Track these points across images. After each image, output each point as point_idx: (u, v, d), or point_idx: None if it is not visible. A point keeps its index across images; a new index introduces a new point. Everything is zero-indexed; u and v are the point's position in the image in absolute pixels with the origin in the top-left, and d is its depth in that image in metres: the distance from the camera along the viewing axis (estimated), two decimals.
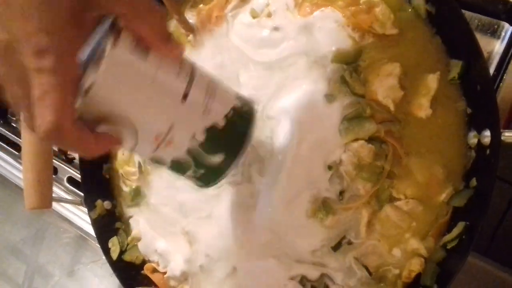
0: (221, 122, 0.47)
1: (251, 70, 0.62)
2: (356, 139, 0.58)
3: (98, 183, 0.74)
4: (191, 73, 0.45)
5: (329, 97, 0.59)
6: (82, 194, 0.75)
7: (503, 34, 0.69)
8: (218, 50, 0.65)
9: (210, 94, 0.46)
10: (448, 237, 0.55)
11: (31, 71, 0.36)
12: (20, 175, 0.82)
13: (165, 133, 0.44)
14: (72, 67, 0.38)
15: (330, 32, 0.59)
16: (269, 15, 0.63)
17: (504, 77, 0.66)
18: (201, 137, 0.46)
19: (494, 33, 0.70)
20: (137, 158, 0.71)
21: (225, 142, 0.48)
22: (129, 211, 0.73)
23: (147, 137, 0.44)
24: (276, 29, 0.61)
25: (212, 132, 0.46)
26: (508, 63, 0.65)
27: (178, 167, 0.49)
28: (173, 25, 0.68)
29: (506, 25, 0.68)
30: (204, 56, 0.65)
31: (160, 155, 0.46)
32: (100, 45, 0.40)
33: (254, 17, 0.63)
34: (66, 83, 0.37)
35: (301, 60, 0.60)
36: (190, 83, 0.45)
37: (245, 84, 0.62)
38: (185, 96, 0.44)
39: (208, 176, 0.50)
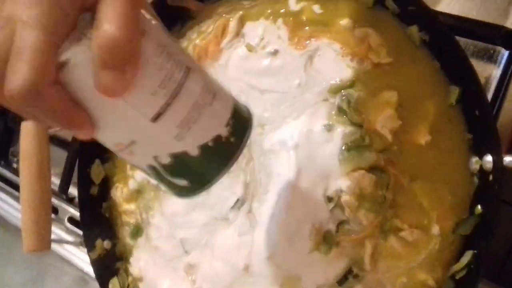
0: (193, 152, 0.39)
1: (252, 101, 0.62)
2: (357, 169, 0.57)
3: (97, 222, 0.73)
4: (177, 87, 0.37)
5: (328, 127, 0.58)
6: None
7: (499, 58, 0.69)
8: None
9: (192, 118, 0.38)
10: (456, 266, 0.53)
11: (19, 22, 0.32)
12: (20, 216, 0.81)
13: (125, 145, 0.38)
14: (63, 28, 0.33)
15: (330, 62, 0.59)
16: (264, 48, 0.63)
17: (503, 101, 0.65)
18: (165, 160, 0.39)
19: (490, 58, 0.70)
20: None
21: (193, 171, 0.41)
22: (130, 249, 0.72)
23: (108, 140, 0.39)
24: (275, 53, 0.61)
25: (179, 158, 0.39)
26: (507, 87, 0.65)
27: (148, 174, 0.42)
28: None
29: (502, 49, 0.68)
30: None
31: (124, 158, 0.41)
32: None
33: (250, 51, 0.64)
34: (52, 43, 0.33)
35: (301, 91, 0.60)
36: (169, 104, 0.36)
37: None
38: (156, 118, 0.36)
39: (176, 192, 0.43)
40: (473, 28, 0.64)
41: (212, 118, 0.39)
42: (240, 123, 0.42)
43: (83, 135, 0.37)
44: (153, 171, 0.40)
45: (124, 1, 0.33)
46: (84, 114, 0.35)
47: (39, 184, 0.66)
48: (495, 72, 0.68)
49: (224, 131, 0.40)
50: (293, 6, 0.62)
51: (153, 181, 0.46)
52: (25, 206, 0.66)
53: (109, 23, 0.32)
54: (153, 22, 0.37)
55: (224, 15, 0.67)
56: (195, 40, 0.68)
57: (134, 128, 0.37)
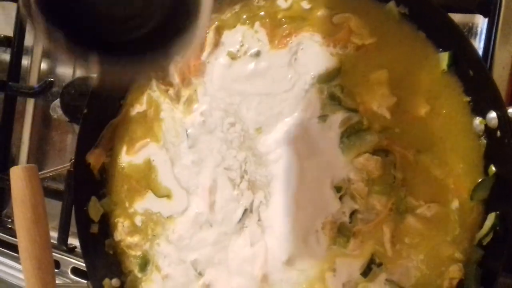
0: None
1: (245, 107, 0.62)
2: (360, 154, 0.55)
3: (102, 261, 0.70)
4: None
5: (323, 118, 0.57)
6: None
7: (479, 29, 0.69)
8: (208, 96, 0.64)
9: None
10: (481, 232, 0.51)
11: None
12: (21, 276, 0.78)
13: None
14: None
15: (314, 53, 0.59)
16: (246, 53, 0.63)
17: (492, 67, 0.64)
18: None
19: (470, 30, 0.70)
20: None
21: None
22: (140, 283, 0.69)
23: None
24: (258, 54, 0.61)
25: None
26: (493, 52, 0.64)
27: None
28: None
29: (480, 19, 0.68)
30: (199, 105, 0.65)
31: None
32: None
33: (233, 58, 0.63)
34: None
35: (291, 87, 0.59)
36: None
37: (247, 119, 0.61)
38: None
39: None
40: (449, 1, 0.64)
41: None
42: None
43: None
44: None
45: None
46: None
47: (37, 229, 0.63)
48: (478, 44, 0.68)
49: None
50: (283, 4, 0.62)
51: None
52: (24, 254, 0.62)
53: None
54: None
55: None
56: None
57: None
